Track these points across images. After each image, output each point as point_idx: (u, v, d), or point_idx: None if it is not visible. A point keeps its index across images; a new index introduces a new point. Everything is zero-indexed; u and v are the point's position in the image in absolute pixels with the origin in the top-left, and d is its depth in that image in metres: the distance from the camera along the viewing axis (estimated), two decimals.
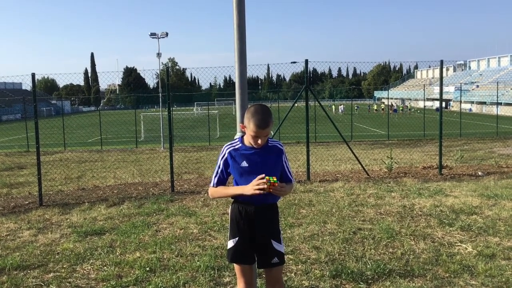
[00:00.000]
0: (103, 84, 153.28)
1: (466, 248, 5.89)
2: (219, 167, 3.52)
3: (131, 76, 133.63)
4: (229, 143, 3.56)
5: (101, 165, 17.94)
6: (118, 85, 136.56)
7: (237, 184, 3.49)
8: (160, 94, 28.60)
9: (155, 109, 60.05)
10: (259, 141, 3.35)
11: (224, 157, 3.50)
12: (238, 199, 3.50)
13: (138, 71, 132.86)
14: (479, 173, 11.80)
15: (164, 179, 12.40)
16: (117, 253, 6.06)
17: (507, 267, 5.19)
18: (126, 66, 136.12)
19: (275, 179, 3.24)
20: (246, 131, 3.40)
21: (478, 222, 7.03)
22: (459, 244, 6.09)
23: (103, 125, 32.59)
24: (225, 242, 6.35)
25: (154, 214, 8.15)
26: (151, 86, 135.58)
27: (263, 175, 3.25)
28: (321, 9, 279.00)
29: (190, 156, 20.70)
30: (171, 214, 8.09)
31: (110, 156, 22.07)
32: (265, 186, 3.21)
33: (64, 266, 5.64)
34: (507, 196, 8.71)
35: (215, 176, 3.54)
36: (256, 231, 3.48)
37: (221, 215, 7.85)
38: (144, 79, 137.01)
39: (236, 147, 3.48)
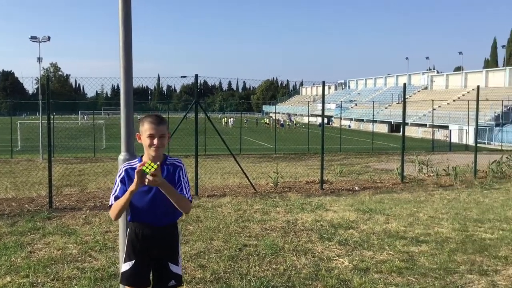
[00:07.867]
0: None
1: (343, 262, 6.24)
2: (117, 186, 3.43)
3: (8, 80, 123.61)
4: (127, 162, 3.53)
5: None
6: None
7: (133, 205, 3.38)
8: (40, 101, 26.75)
9: (34, 117, 55.97)
10: (155, 141, 3.30)
11: (121, 176, 3.43)
12: (135, 220, 3.44)
13: (16, 76, 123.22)
14: (356, 188, 12.64)
15: (42, 194, 11.56)
16: None
17: (379, 280, 5.58)
18: (3, 70, 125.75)
19: (155, 166, 3.11)
20: (142, 139, 3.37)
21: (354, 236, 7.49)
22: (337, 258, 6.42)
23: None
24: (106, 263, 6.08)
25: (29, 234, 7.55)
26: (31, 92, 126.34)
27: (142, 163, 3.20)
28: (216, 22, 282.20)
29: (73, 168, 19.58)
30: (48, 233, 7.55)
31: None
32: (145, 168, 3.12)
33: None
34: (380, 211, 9.41)
35: (113, 195, 3.43)
36: (153, 253, 3.46)
37: (103, 234, 7.50)
38: (22, 84, 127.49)
39: (134, 166, 3.40)
